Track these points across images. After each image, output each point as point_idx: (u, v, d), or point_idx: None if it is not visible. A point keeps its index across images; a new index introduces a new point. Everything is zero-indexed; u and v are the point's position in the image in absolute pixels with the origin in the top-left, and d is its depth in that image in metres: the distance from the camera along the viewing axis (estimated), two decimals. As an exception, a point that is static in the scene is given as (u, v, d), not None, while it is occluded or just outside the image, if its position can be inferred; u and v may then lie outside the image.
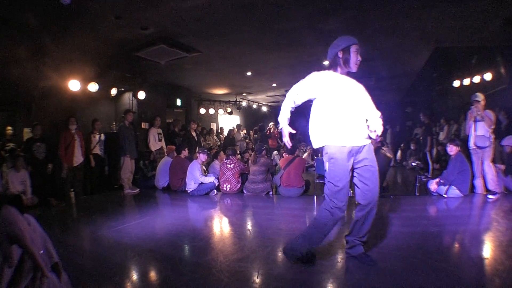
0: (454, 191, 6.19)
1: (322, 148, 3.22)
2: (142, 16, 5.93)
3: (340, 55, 3.19)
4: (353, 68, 3.21)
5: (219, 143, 13.62)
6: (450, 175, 6.21)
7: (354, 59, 3.20)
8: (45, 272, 2.19)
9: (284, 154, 8.96)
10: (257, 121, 17.81)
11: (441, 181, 6.29)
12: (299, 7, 5.82)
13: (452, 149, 6.35)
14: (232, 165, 7.59)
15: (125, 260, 3.69)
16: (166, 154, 9.19)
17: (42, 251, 2.25)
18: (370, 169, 3.15)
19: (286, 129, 3.22)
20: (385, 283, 2.87)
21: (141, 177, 8.94)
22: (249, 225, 5.26)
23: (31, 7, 5.30)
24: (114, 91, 9.21)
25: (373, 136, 3.18)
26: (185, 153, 8.33)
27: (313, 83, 3.15)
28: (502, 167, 6.64)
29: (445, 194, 6.25)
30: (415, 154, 12.27)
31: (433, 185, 6.44)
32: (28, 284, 2.13)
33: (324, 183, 6.66)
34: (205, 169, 8.22)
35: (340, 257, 3.51)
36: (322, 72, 3.23)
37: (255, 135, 15.65)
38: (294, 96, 3.19)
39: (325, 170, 3.19)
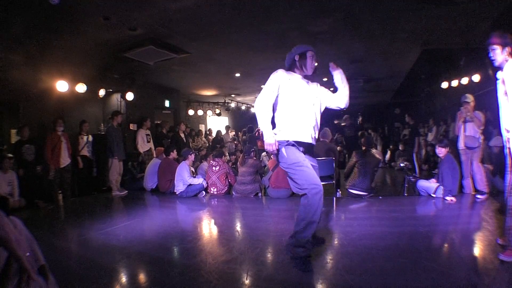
0: (443, 191, 6.22)
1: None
2: (130, 16, 5.90)
3: (297, 58, 3.52)
4: (309, 71, 3.53)
5: (207, 145, 13.59)
6: (446, 180, 6.18)
7: (310, 63, 3.51)
8: (32, 275, 2.17)
9: (272, 156, 8.97)
10: (246, 123, 17.82)
11: (447, 189, 6.22)
12: (288, 9, 5.84)
13: (441, 151, 6.35)
14: (217, 168, 7.58)
15: (113, 263, 3.66)
16: (155, 156, 9.14)
17: (28, 254, 2.23)
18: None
19: (271, 136, 3.28)
20: (375, 283, 2.89)
21: (129, 178, 8.88)
22: (238, 227, 5.26)
23: (19, 7, 5.25)
24: (102, 92, 9.13)
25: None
26: (173, 154, 8.29)
27: (279, 78, 3.39)
28: (491, 167, 6.71)
29: (434, 194, 6.28)
30: (403, 155, 12.37)
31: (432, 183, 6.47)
32: (15, 287, 2.10)
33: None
34: (193, 170, 8.19)
35: (329, 258, 3.53)
36: (280, 70, 3.48)
37: (244, 137, 15.64)
38: (268, 102, 3.33)
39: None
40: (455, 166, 6.26)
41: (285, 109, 3.38)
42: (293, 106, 3.36)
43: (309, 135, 3.41)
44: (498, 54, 3.36)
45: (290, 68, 3.59)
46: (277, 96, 3.37)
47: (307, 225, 3.16)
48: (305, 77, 3.56)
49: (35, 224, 5.41)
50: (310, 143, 3.46)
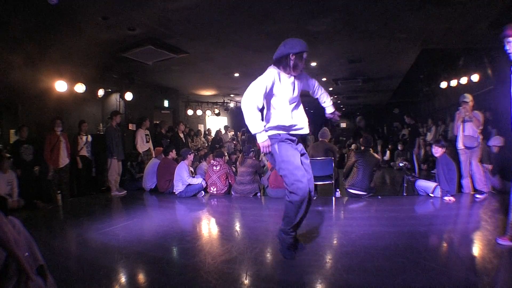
0: (441, 191, 6.20)
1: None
2: (129, 16, 5.90)
3: (292, 58, 3.30)
4: (297, 73, 3.39)
5: (206, 145, 13.60)
6: (441, 181, 6.19)
7: (302, 65, 3.37)
8: (30, 275, 2.16)
9: (267, 158, 8.97)
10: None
11: (444, 190, 6.21)
12: (286, 9, 5.84)
13: (437, 151, 6.34)
14: (218, 167, 7.58)
15: (112, 263, 3.65)
16: (154, 156, 9.13)
17: (27, 254, 2.22)
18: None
19: (265, 139, 3.23)
20: (374, 283, 2.89)
21: (128, 178, 8.87)
22: (237, 227, 5.26)
23: (17, 8, 5.24)
24: (101, 92, 9.13)
25: None
26: (172, 154, 8.28)
27: (273, 77, 3.28)
28: (490, 167, 6.71)
29: (432, 193, 6.29)
30: (402, 154, 12.39)
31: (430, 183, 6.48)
32: (13, 288, 2.10)
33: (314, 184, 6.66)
34: (192, 170, 8.18)
35: (328, 257, 3.53)
36: (274, 70, 3.36)
37: (243, 136, 15.65)
38: (257, 98, 3.21)
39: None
40: (451, 167, 6.24)
41: (275, 107, 3.34)
42: (283, 104, 3.33)
43: (299, 126, 3.43)
44: None
45: (279, 62, 3.38)
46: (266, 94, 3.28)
47: (289, 222, 3.28)
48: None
49: (34, 224, 5.41)
50: (302, 134, 3.49)
